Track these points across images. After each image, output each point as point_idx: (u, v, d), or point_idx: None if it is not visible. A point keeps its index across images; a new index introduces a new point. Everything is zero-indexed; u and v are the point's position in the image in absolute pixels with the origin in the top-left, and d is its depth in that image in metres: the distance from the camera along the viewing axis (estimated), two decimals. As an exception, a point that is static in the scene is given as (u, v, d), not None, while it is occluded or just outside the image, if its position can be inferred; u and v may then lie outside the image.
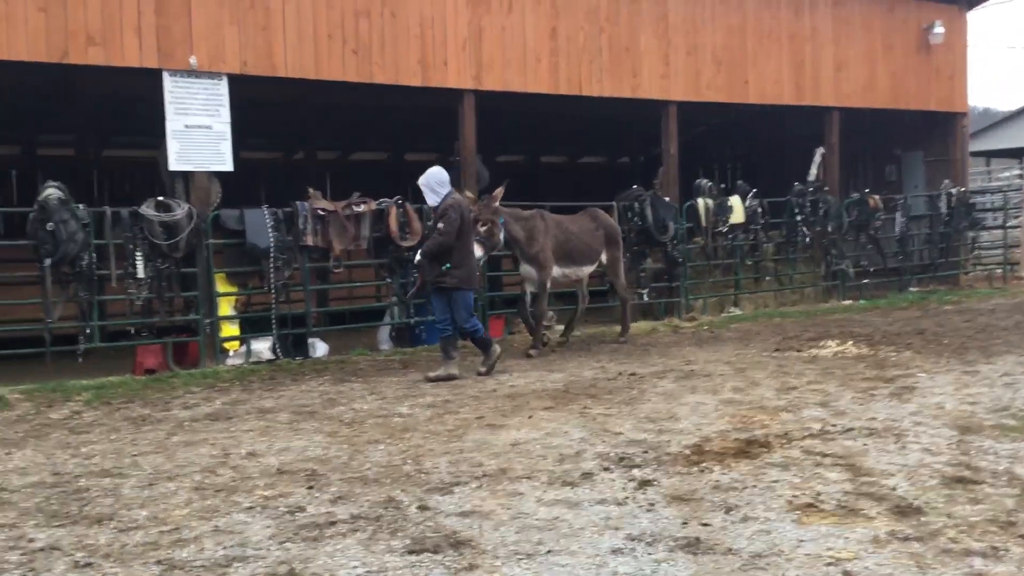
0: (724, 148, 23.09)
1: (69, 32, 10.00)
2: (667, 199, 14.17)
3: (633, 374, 9.45)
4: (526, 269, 11.35)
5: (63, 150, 17.25)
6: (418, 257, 9.82)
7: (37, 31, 9.85)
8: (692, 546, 4.46)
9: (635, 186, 14.57)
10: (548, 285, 11.44)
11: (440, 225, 9.45)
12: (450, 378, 9.42)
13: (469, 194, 11.27)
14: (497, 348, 9.90)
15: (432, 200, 9.67)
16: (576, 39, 13.59)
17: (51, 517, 5.23)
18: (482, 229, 10.49)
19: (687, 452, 6.20)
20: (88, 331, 10.16)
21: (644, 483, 5.52)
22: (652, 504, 5.11)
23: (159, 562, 4.45)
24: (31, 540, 4.83)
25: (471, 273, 9.77)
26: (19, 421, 8.10)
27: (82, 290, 10.03)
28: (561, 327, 12.77)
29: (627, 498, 5.24)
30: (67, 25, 9.99)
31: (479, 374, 9.67)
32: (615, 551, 4.43)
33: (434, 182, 9.62)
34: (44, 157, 17.26)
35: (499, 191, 10.75)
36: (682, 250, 14.34)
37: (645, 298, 14.02)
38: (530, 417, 7.51)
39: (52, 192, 9.82)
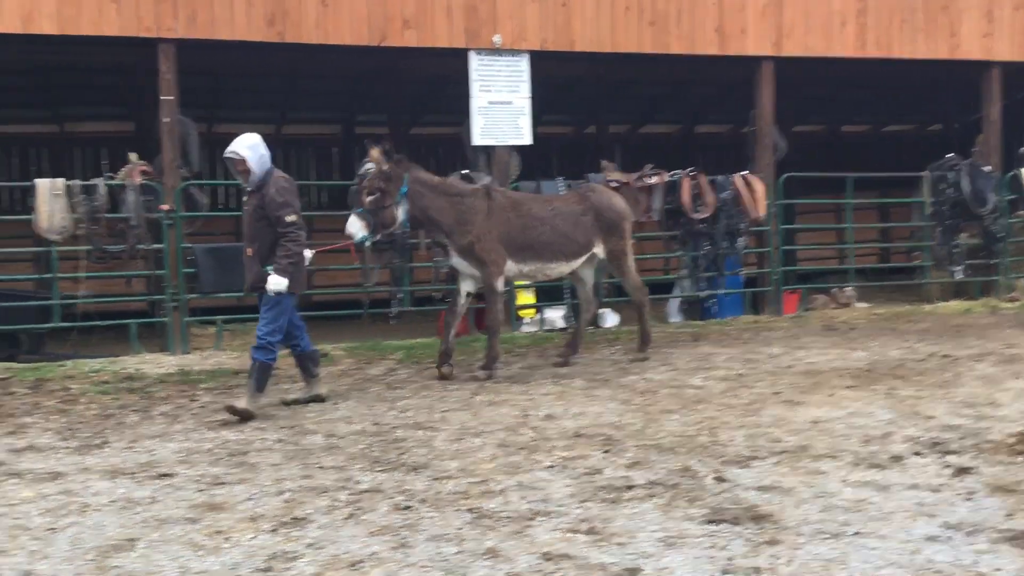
0: (1055, 112, 20.77)
1: (387, 17, 10.76)
2: (987, 169, 13.01)
3: (946, 356, 8.81)
4: (459, 263, 8.57)
5: (378, 128, 18.56)
6: (276, 281, 7.04)
7: (360, 17, 10.68)
8: (1019, 539, 4.11)
9: (949, 155, 13.50)
10: (500, 287, 8.65)
11: (290, 218, 7.11)
12: (316, 399, 7.56)
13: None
14: (251, 407, 7.01)
15: (257, 173, 7.20)
16: (887, -3, 12.75)
17: (374, 463, 5.71)
18: (368, 200, 8.00)
19: (1011, 441, 5.70)
20: (400, 296, 10.96)
21: (961, 470, 5.15)
22: (971, 493, 4.77)
23: (470, 510, 4.74)
24: (358, 482, 5.31)
25: (298, 273, 7.29)
26: (343, 375, 8.91)
27: (395, 258, 10.83)
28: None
29: (942, 485, 4.92)
30: (386, 10, 10.75)
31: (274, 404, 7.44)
32: (930, 538, 4.18)
33: (263, 151, 7.27)
34: (362, 135, 18.69)
35: (376, 152, 8.18)
36: (1003, 224, 13.12)
37: (958, 276, 12.99)
38: (831, 395, 7.22)
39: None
